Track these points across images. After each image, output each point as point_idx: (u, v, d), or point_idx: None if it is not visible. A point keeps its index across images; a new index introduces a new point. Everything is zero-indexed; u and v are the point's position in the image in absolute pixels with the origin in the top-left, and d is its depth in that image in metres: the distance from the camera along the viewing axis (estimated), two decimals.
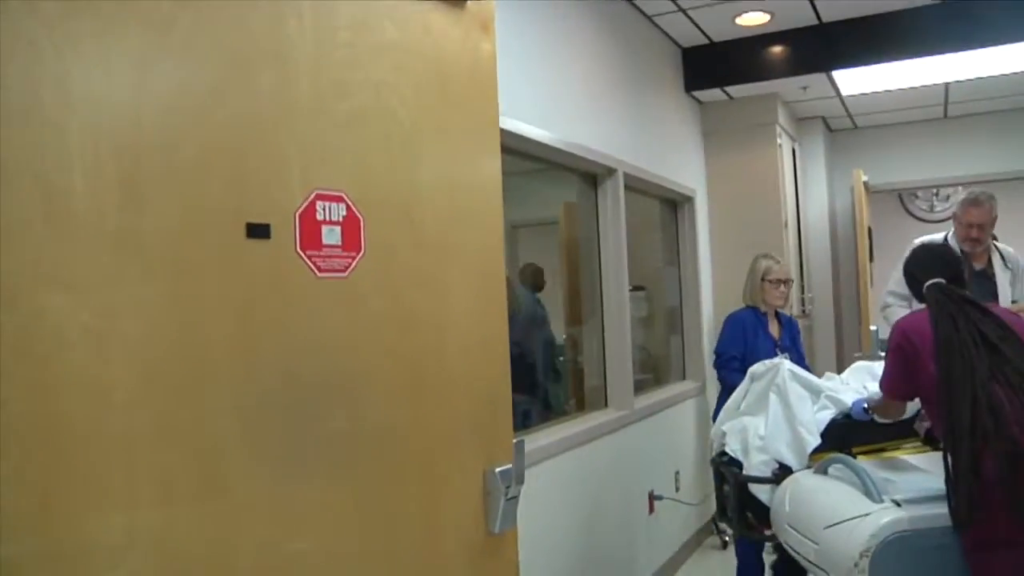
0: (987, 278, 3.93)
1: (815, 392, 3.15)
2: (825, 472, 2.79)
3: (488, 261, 1.78)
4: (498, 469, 1.71)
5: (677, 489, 4.67)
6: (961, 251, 3.85)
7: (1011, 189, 5.79)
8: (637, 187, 4.57)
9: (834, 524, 2.47)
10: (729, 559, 4.67)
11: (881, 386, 2.72)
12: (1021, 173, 6.26)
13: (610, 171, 4.12)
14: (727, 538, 4.97)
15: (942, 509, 2.37)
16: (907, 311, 3.87)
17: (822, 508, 2.60)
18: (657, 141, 4.78)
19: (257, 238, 1.25)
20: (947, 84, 5.67)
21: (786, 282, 4.01)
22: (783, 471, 3.02)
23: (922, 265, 2.62)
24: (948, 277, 2.55)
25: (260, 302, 1.25)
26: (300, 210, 1.33)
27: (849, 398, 3.10)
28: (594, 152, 3.86)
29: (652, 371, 5.20)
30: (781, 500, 2.87)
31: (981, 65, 5.27)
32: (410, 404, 1.55)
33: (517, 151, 3.31)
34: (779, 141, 5.56)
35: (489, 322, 1.78)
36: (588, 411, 4.04)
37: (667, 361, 5.31)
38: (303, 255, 1.33)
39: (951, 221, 4.02)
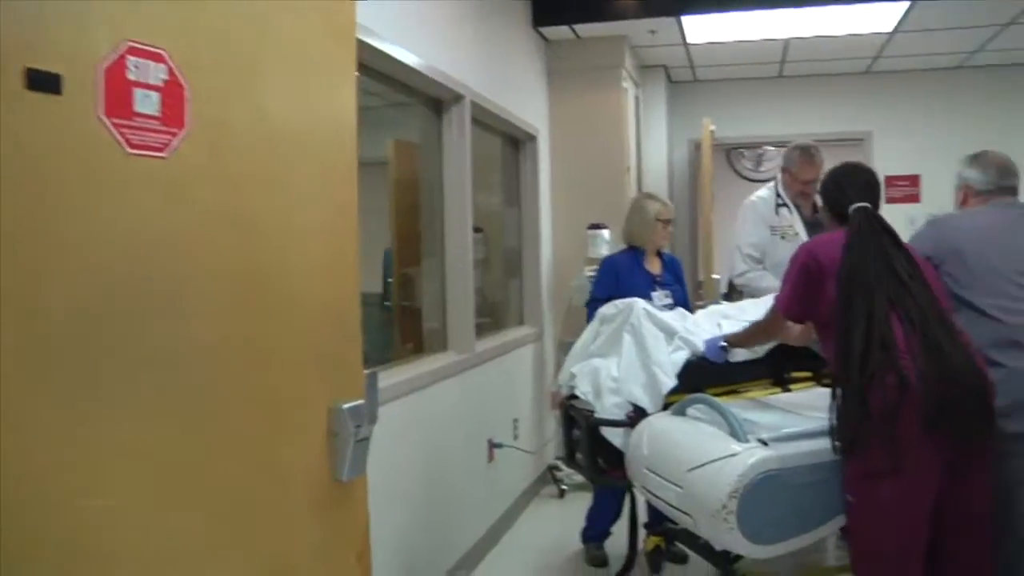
0: (820, 226, 3.94)
1: (670, 333, 3.02)
2: (683, 413, 2.67)
3: (340, 163, 1.49)
4: (346, 406, 1.42)
5: (516, 437, 4.51)
6: (795, 203, 3.84)
7: (838, 148, 5.96)
8: (481, 120, 4.31)
9: (699, 466, 2.33)
10: (566, 508, 4.59)
11: (776, 302, 2.58)
12: (849, 135, 6.49)
13: (457, 98, 3.82)
14: (564, 487, 4.89)
15: (809, 446, 2.30)
16: (764, 275, 3.83)
17: (684, 450, 2.46)
18: (502, 74, 4.52)
19: (42, 91, 0.95)
20: (787, 41, 5.73)
21: (670, 221, 3.88)
22: (638, 413, 2.88)
23: (854, 185, 2.49)
24: (873, 203, 2.45)
25: (47, 178, 0.95)
26: (105, 64, 1.03)
27: (702, 340, 3.00)
28: (442, 74, 3.55)
29: (489, 315, 5.00)
30: (638, 443, 2.73)
31: (820, 24, 5.35)
32: (243, 322, 1.24)
33: (363, 65, 2.96)
34: (624, 85, 5.45)
35: (339, 233, 1.48)
36: (428, 354, 3.77)
37: (505, 306, 5.12)
38: (108, 123, 1.03)
39: (780, 174, 3.93)
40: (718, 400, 2.57)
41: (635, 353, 2.97)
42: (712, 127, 5.62)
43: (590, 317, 3.50)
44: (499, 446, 4.18)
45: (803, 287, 2.42)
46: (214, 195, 1.18)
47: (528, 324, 5.11)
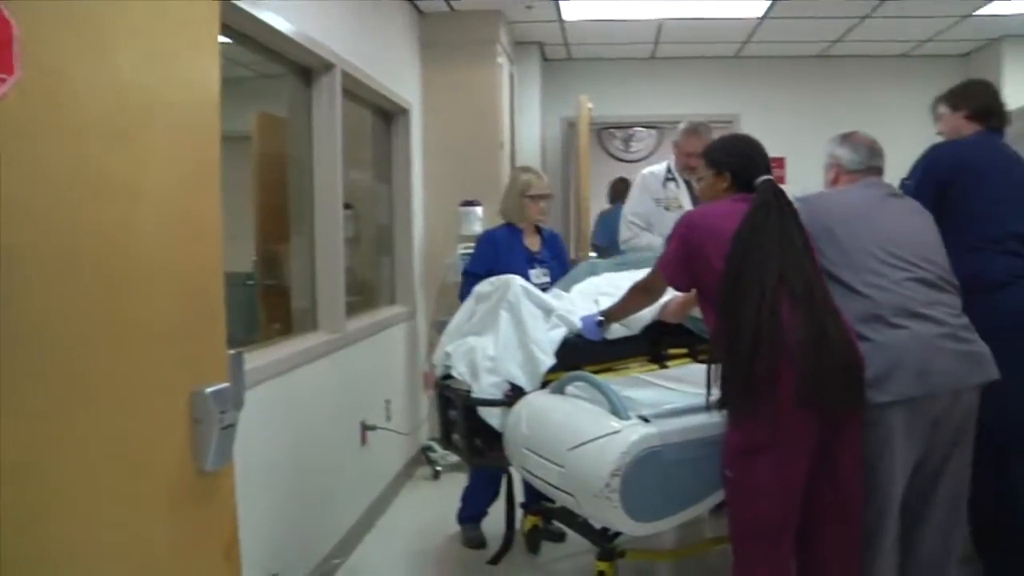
0: None
1: (547, 311, 2.98)
2: (563, 392, 2.63)
3: (201, 122, 1.35)
4: (209, 390, 1.29)
5: (388, 418, 4.40)
6: (684, 178, 3.92)
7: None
8: (352, 91, 4.15)
9: (580, 444, 2.30)
10: (441, 489, 4.52)
11: (657, 263, 2.57)
12: (718, 117, 6.62)
13: (328, 67, 3.64)
14: (439, 468, 4.81)
15: (689, 422, 2.30)
16: (643, 233, 3.96)
17: (565, 429, 2.43)
18: (375, 45, 4.36)
19: None
20: (661, 22, 5.79)
21: (546, 197, 3.81)
22: (515, 393, 2.82)
23: (764, 157, 2.51)
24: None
25: None
26: None
27: (577, 318, 2.98)
28: (312, 41, 3.37)
29: (360, 294, 4.85)
30: (516, 423, 2.68)
31: (693, 7, 5.43)
32: (85, 295, 1.08)
33: (228, 28, 2.77)
34: (499, 60, 5.37)
35: (199, 193, 1.34)
36: (297, 334, 3.60)
37: (376, 284, 4.97)
38: None
39: (674, 150, 4.07)
40: (597, 377, 2.55)
41: (512, 331, 2.92)
42: (589, 105, 5.63)
43: (465, 293, 3.43)
44: (372, 428, 4.06)
45: (684, 254, 2.42)
46: (50, 151, 1.02)
47: (400, 303, 4.98)
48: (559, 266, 3.81)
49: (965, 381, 2.40)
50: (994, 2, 5.35)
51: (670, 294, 2.77)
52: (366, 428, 4.02)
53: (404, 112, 4.95)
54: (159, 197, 1.22)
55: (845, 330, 2.27)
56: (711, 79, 6.80)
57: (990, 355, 2.45)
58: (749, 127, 6.63)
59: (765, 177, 2.41)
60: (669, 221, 3.44)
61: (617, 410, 2.31)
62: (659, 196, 4.00)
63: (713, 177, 2.57)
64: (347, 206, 4.98)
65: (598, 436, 2.26)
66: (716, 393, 2.23)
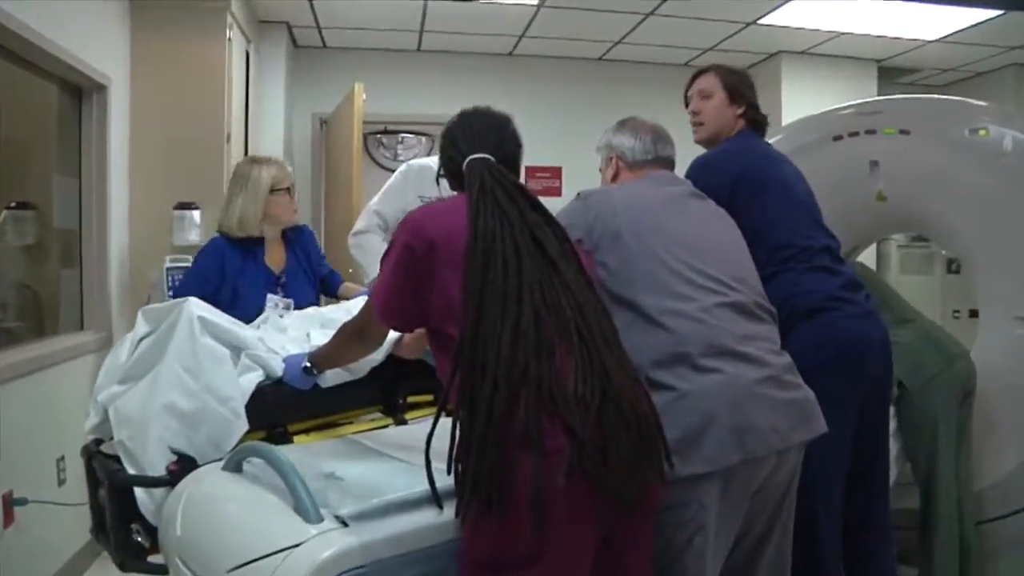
0: None
1: (235, 347, 2.12)
2: (239, 470, 1.79)
3: None
4: None
5: (62, 482, 3.34)
6: None
7: None
8: (16, 53, 3.11)
9: (242, 565, 1.47)
10: None
11: (371, 300, 1.79)
12: None
13: None
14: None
15: (411, 522, 1.53)
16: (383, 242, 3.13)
17: (227, 535, 1.59)
18: None
19: None
20: (425, 4, 5.06)
21: (291, 190, 2.88)
22: (183, 465, 1.94)
23: (468, 134, 1.78)
24: (501, 157, 1.75)
25: None
26: None
27: (279, 359, 2.15)
28: None
29: (34, 318, 3.76)
30: (172, 515, 1.80)
31: None
32: None
33: None
34: (229, 35, 4.42)
35: None
36: None
37: (55, 304, 3.88)
38: None
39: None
40: (280, 451, 1.71)
41: (183, 375, 2.03)
42: (363, 96, 4.81)
43: None
44: (22, 503, 2.99)
45: (407, 277, 1.66)
46: None
47: (91, 328, 3.90)
48: (320, 271, 2.97)
49: (791, 438, 1.81)
50: (777, 11, 5.10)
51: None
52: (9, 503, 2.95)
53: (100, 88, 3.90)
54: None
55: (634, 376, 1.60)
56: (483, 77, 6.12)
57: (816, 403, 1.88)
58: (524, 132, 6.08)
59: (473, 157, 1.71)
60: None
61: (304, 506, 1.51)
62: (426, 193, 3.12)
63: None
64: (27, 206, 3.91)
65: (269, 552, 1.44)
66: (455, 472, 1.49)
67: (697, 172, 2.38)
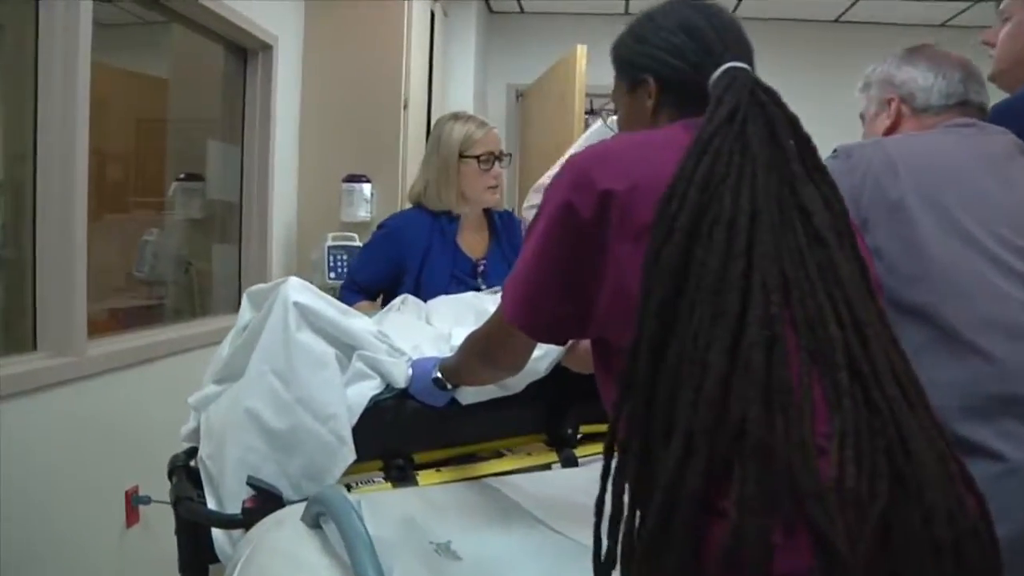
0: None
1: (345, 346, 1.58)
2: (317, 525, 1.24)
3: None
4: None
5: None
6: None
7: None
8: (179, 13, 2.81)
9: None
10: None
11: (503, 297, 1.19)
12: None
13: None
14: None
15: None
16: None
17: None
18: None
19: None
20: None
21: (500, 159, 2.31)
22: (261, 502, 1.44)
23: (721, 22, 1.13)
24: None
25: None
26: None
27: (404, 364, 1.57)
28: None
29: (190, 296, 3.50)
30: (231, 571, 1.30)
31: None
32: None
33: None
34: None
35: None
36: None
37: (208, 282, 3.60)
38: None
39: None
40: (356, 519, 1.11)
41: (272, 383, 1.52)
42: (585, 60, 4.28)
43: None
44: (146, 501, 2.66)
45: (562, 255, 1.04)
46: None
47: None
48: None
49: None
50: None
51: None
52: (136, 501, 2.63)
53: (266, 48, 3.56)
54: None
55: (946, 449, 0.89)
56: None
57: None
58: None
59: (730, 65, 1.03)
60: None
61: None
62: None
63: (626, 95, 1.22)
64: (196, 177, 3.67)
65: None
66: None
67: (997, 122, 1.61)
